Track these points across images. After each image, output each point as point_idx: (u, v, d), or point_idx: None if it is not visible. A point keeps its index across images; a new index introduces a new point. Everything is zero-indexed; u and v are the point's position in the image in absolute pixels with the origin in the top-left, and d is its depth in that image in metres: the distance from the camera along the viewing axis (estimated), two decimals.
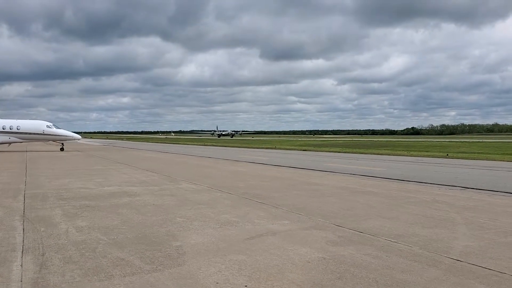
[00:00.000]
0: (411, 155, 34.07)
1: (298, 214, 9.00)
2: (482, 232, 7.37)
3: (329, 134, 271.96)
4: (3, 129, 40.49)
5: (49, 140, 43.98)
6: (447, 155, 33.50)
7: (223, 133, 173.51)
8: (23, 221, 8.28)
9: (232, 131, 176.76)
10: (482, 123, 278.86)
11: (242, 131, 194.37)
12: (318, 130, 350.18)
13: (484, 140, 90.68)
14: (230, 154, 36.61)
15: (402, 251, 6.14)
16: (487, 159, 29.17)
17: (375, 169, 20.59)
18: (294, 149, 47.49)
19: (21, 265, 5.47)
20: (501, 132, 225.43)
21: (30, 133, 41.54)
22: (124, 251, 6.10)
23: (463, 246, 6.44)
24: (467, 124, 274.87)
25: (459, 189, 13.39)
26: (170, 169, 20.55)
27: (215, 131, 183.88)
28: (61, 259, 5.71)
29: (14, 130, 40.96)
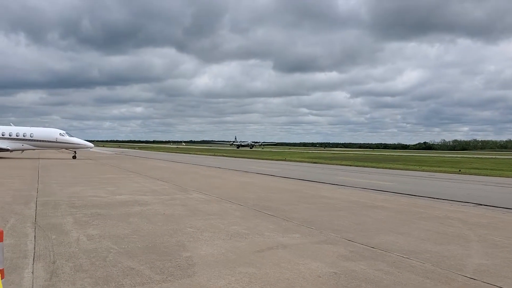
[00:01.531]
0: (423, 170, 33.80)
1: (309, 227, 8.95)
2: (496, 250, 7.26)
3: (340, 147, 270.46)
4: (17, 136, 40.96)
5: (61, 148, 44.34)
6: (460, 171, 33.17)
7: (242, 143, 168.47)
8: (35, 228, 8.33)
9: (252, 142, 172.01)
10: (495, 139, 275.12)
11: (263, 142, 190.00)
12: (329, 142, 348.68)
13: (497, 156, 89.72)
14: (240, 165, 36.63)
15: (414, 267, 6.07)
16: (500, 176, 28.85)
17: (386, 184, 20.45)
18: (305, 162, 47.38)
19: (32, 272, 5.49)
20: None
21: (43, 141, 41.94)
22: (134, 261, 6.10)
23: (476, 264, 6.34)
24: (480, 140, 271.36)
25: (472, 206, 13.22)
26: (180, 179, 20.60)
27: (234, 141, 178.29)
28: (71, 267, 5.73)
29: (28, 137, 41.41)
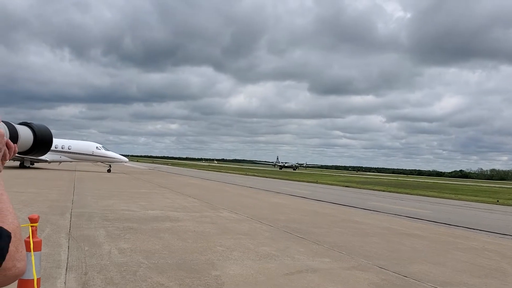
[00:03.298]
0: (459, 199, 32.85)
1: (340, 252, 8.79)
2: None
3: (373, 172, 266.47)
4: (55, 148, 42.09)
5: (97, 161, 45.30)
6: (498, 201, 32.09)
7: (286, 164, 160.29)
8: (69, 239, 8.50)
9: (297, 164, 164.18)
10: None
11: (307, 164, 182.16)
12: (361, 166, 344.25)
13: None
14: (271, 185, 36.51)
15: None
16: None
17: (420, 211, 19.95)
18: (337, 185, 46.84)
19: (65, 283, 5.59)
20: None
21: (80, 153, 42.99)
22: (164, 277, 6.12)
23: None
24: None
25: (510, 238, 12.73)
26: (211, 197, 20.67)
27: (276, 162, 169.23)
28: (102, 280, 5.79)
29: (66, 149, 42.55)
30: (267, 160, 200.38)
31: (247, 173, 73.42)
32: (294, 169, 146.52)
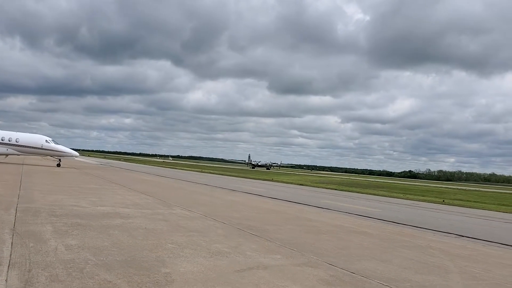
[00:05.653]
0: (407, 198, 33.99)
1: (291, 249, 8.90)
2: (475, 283, 7.27)
3: (327, 171, 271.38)
4: (2, 140, 40.43)
5: (46, 155, 43.86)
6: (443, 201, 33.44)
7: (259, 164, 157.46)
8: (13, 235, 8.17)
9: (273, 163, 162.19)
10: (479, 172, 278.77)
11: (281, 164, 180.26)
12: (316, 165, 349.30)
13: (480, 189, 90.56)
14: (227, 183, 36.50)
15: None
16: (483, 208, 29.10)
17: (370, 210, 20.49)
18: (291, 183, 47.40)
19: (6, 280, 5.37)
20: (498, 182, 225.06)
21: (28, 147, 41.46)
22: (112, 274, 5.99)
23: None
24: (464, 171, 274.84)
25: (454, 237, 13.29)
26: (165, 194, 20.44)
27: (249, 161, 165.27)
28: (47, 277, 5.61)
29: (13, 142, 40.92)
30: (224, 158, 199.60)
31: (203, 170, 73.05)
32: (267, 169, 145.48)
